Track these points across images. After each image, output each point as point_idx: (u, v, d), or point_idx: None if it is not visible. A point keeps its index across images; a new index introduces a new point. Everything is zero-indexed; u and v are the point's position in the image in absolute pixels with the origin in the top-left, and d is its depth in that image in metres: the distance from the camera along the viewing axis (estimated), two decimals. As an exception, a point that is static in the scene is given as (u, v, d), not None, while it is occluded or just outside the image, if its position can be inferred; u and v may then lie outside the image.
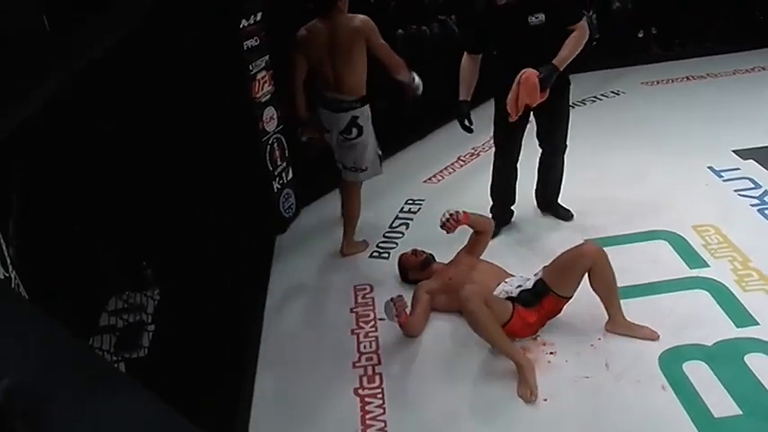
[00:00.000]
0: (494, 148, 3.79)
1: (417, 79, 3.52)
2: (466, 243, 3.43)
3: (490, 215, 3.71)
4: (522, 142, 3.67)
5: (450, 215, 3.22)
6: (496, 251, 3.60)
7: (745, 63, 6.34)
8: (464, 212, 3.25)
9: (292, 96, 3.60)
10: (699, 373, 2.65)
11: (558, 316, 2.99)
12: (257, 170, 3.96)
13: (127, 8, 2.46)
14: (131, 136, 2.73)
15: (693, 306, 3.06)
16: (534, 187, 3.97)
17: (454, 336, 3.07)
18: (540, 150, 3.77)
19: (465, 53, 3.52)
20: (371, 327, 3.22)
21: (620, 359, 2.79)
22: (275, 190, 4.10)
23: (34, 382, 0.63)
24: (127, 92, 2.65)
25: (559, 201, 3.95)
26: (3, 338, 0.69)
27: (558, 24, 3.24)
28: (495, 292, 2.98)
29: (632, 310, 2.95)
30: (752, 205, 3.84)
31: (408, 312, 3.08)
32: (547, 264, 3.00)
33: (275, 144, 4.05)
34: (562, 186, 3.91)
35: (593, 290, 2.89)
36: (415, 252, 3.46)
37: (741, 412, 2.45)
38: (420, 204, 4.34)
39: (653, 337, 2.86)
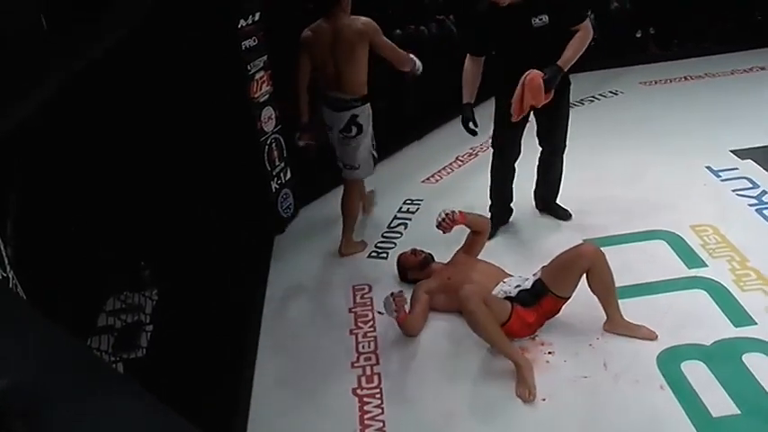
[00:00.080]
0: (492, 148, 3.78)
1: (418, 63, 3.63)
2: (463, 243, 3.43)
3: (489, 215, 3.71)
4: (522, 142, 3.67)
5: (446, 215, 3.22)
6: (495, 251, 3.61)
7: (744, 63, 6.34)
8: (460, 212, 3.26)
9: (296, 97, 3.63)
10: (697, 373, 2.66)
11: (556, 316, 3.00)
12: (256, 170, 3.96)
13: (126, 8, 2.46)
14: (129, 136, 2.72)
15: (691, 306, 3.06)
16: (533, 187, 3.97)
17: (453, 335, 3.07)
18: (540, 150, 3.77)
19: (467, 55, 3.51)
20: (370, 327, 3.22)
21: (619, 359, 2.79)
22: (273, 190, 4.10)
23: (32, 383, 0.63)
24: (125, 92, 2.65)
25: (558, 201, 3.95)
26: (1, 339, 0.69)
27: (561, 25, 3.22)
28: (493, 292, 2.98)
29: (630, 309, 2.95)
30: (750, 205, 3.85)
31: (408, 310, 3.09)
32: (545, 264, 3.00)
33: (273, 144, 4.05)
34: (561, 186, 3.91)
35: (592, 290, 2.89)
36: (414, 252, 3.47)
37: (739, 412, 2.46)
38: (418, 204, 4.34)
39: (651, 336, 2.87)
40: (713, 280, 3.21)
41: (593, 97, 5.91)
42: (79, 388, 0.64)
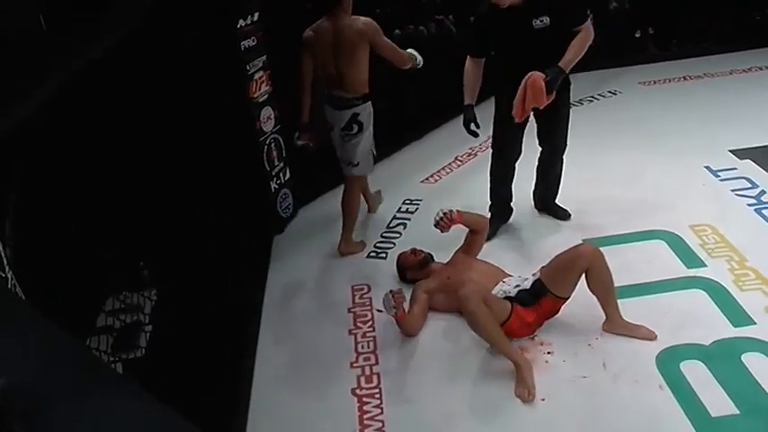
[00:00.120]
0: (491, 149, 3.77)
1: (419, 57, 3.69)
2: (462, 243, 3.43)
3: (489, 215, 3.71)
4: (522, 142, 3.66)
5: (444, 214, 3.23)
6: (494, 251, 3.62)
7: (742, 63, 6.35)
8: (458, 211, 3.26)
9: (299, 97, 3.67)
10: (696, 373, 2.66)
11: (555, 316, 3.00)
12: (255, 170, 3.96)
13: (125, 8, 2.46)
14: (128, 136, 2.72)
15: (691, 306, 3.06)
16: (532, 187, 3.97)
17: (452, 335, 3.07)
18: (540, 150, 3.77)
19: (468, 57, 3.50)
20: (369, 327, 3.22)
21: (618, 359, 2.79)
22: (273, 190, 4.10)
23: (32, 383, 0.62)
24: (124, 92, 2.64)
25: (557, 201, 3.95)
26: (0, 339, 0.69)
27: (562, 26, 3.21)
28: (493, 292, 2.98)
29: (629, 309, 2.95)
30: (749, 205, 3.85)
31: (407, 309, 3.09)
32: (544, 264, 3.00)
33: (272, 144, 4.05)
34: (560, 186, 3.91)
35: (591, 290, 2.89)
36: (414, 251, 3.47)
37: (738, 411, 2.46)
38: (417, 204, 4.34)
39: (650, 336, 2.87)
40: (712, 280, 3.21)
41: (592, 97, 5.92)
42: (78, 388, 0.64)
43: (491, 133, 3.71)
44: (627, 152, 4.68)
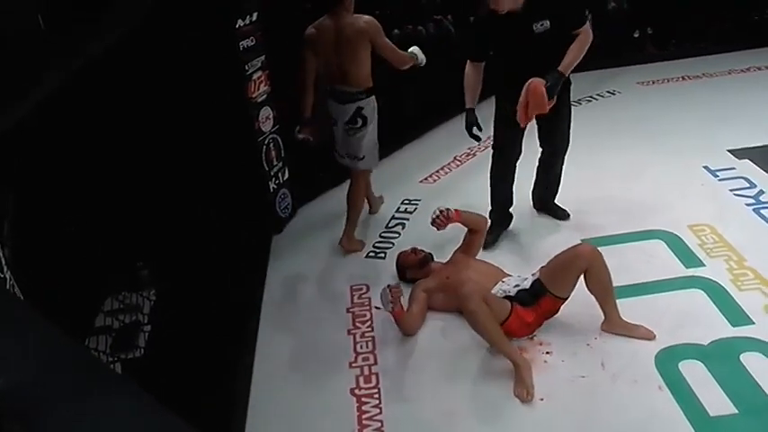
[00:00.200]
0: (491, 149, 3.75)
1: (419, 54, 3.72)
2: (461, 243, 3.43)
3: (489, 221, 3.68)
4: (522, 142, 3.65)
5: (440, 212, 3.24)
6: (493, 251, 3.63)
7: (741, 63, 6.36)
8: (456, 210, 3.27)
9: (301, 93, 3.69)
10: (695, 373, 2.66)
11: (554, 316, 3.00)
12: (253, 170, 3.95)
13: (125, 8, 2.46)
14: (127, 136, 2.72)
15: (689, 305, 3.06)
16: (531, 187, 3.96)
17: (451, 335, 3.07)
18: (541, 150, 3.77)
19: (468, 61, 3.49)
20: (368, 327, 3.22)
21: (617, 359, 2.79)
22: (271, 190, 4.09)
23: (30, 384, 0.62)
24: (123, 92, 2.64)
25: (556, 201, 3.95)
26: (-1, 339, 0.69)
27: (562, 30, 3.21)
28: (492, 292, 2.98)
29: (628, 309, 2.95)
30: (747, 205, 3.85)
31: (405, 308, 3.09)
32: (544, 264, 3.00)
33: (271, 144, 4.05)
34: (560, 187, 3.91)
35: (589, 290, 2.89)
36: (414, 250, 3.47)
37: (737, 411, 2.46)
38: (416, 204, 4.34)
39: (649, 336, 2.87)
40: (711, 279, 3.21)
41: (590, 97, 5.92)
42: (78, 388, 0.64)
43: (491, 133, 3.70)
44: (625, 152, 4.69)
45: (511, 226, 3.88)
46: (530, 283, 2.97)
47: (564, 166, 3.82)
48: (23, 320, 0.76)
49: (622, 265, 3.19)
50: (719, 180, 4.17)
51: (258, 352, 3.15)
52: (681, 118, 5.26)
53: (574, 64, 3.23)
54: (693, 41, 6.84)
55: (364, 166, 3.82)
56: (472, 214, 3.42)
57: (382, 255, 3.83)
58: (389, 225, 4.14)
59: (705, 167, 4.33)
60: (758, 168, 4.22)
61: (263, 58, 3.87)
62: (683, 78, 6.23)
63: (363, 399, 2.77)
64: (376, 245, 3.93)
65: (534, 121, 3.57)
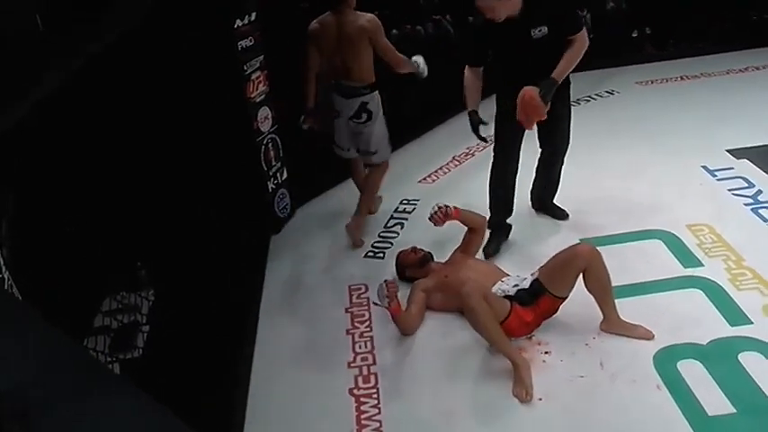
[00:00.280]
0: (491, 150, 3.72)
1: (422, 64, 3.77)
2: (460, 242, 3.44)
3: (488, 231, 3.65)
4: (522, 141, 3.63)
5: (439, 207, 3.25)
6: (492, 251, 3.62)
7: (739, 63, 6.36)
8: (455, 207, 3.27)
9: (304, 85, 3.77)
10: (693, 372, 2.66)
11: (553, 315, 3.00)
12: (252, 170, 3.95)
13: (124, 8, 2.45)
14: (125, 136, 2.71)
15: (688, 305, 3.07)
16: (530, 187, 3.96)
17: (449, 335, 3.07)
18: (541, 150, 3.76)
19: (466, 66, 3.48)
20: (366, 327, 3.23)
21: (615, 358, 2.79)
22: (270, 190, 4.09)
23: (30, 384, 0.62)
24: (122, 92, 2.64)
25: (554, 200, 3.95)
26: (-3, 340, 0.69)
27: (560, 35, 3.21)
28: (492, 291, 2.98)
29: (627, 309, 2.96)
30: (745, 204, 3.86)
31: (404, 308, 3.09)
32: (542, 264, 3.00)
33: (270, 144, 4.05)
34: (559, 187, 3.91)
35: (588, 290, 2.89)
36: (414, 249, 3.47)
37: (735, 410, 2.47)
38: (415, 204, 4.34)
39: (647, 336, 2.87)
40: (709, 279, 3.22)
41: (589, 97, 5.92)
42: (77, 389, 0.64)
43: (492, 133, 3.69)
44: (624, 152, 4.69)
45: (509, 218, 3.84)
46: (529, 283, 2.97)
47: (563, 167, 3.82)
48: (23, 321, 0.76)
49: (621, 264, 3.19)
50: (718, 180, 4.17)
51: (257, 352, 3.15)
52: (679, 118, 5.27)
53: (568, 71, 3.23)
54: (692, 41, 6.84)
55: (379, 160, 3.92)
56: (472, 213, 3.42)
57: (381, 254, 3.83)
58: (388, 225, 4.14)
59: (704, 167, 4.33)
60: (757, 168, 4.23)
61: (261, 58, 3.87)
62: (681, 78, 6.24)
63: (362, 399, 2.77)
64: (375, 245, 3.93)
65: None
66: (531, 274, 3.00)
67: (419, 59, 3.77)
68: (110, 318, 2.58)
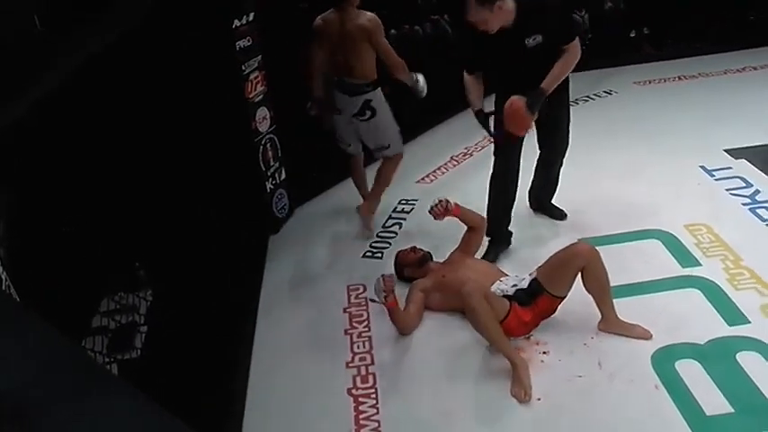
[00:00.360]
0: (490, 151, 3.70)
1: (421, 82, 3.79)
2: (459, 242, 3.44)
3: (488, 239, 3.61)
4: (523, 143, 3.61)
5: (440, 201, 3.28)
6: (490, 251, 3.62)
7: (737, 63, 6.37)
8: (456, 204, 3.28)
9: (311, 77, 3.83)
10: (691, 372, 2.67)
11: (552, 315, 3.00)
12: (250, 170, 3.95)
13: (123, 9, 2.45)
14: (123, 136, 2.71)
15: (686, 305, 3.07)
16: (528, 187, 3.96)
17: (448, 335, 3.07)
18: (540, 150, 3.76)
19: (465, 72, 3.47)
20: (365, 327, 3.22)
21: (613, 358, 2.80)
22: (268, 190, 4.09)
23: (29, 384, 0.62)
24: (120, 92, 2.64)
25: (552, 200, 3.95)
26: (-5, 340, 0.69)
27: (554, 44, 3.21)
28: (491, 290, 2.98)
29: (625, 309, 2.96)
30: (743, 204, 3.86)
31: (403, 307, 3.09)
32: (540, 264, 3.00)
33: (268, 144, 4.04)
34: (557, 187, 3.91)
35: (586, 289, 2.90)
36: (413, 249, 3.47)
37: (733, 410, 2.47)
38: (413, 204, 4.34)
39: (645, 335, 2.87)
40: (707, 279, 3.22)
41: (587, 97, 5.92)
42: (76, 389, 0.64)
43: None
44: (622, 152, 4.69)
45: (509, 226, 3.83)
46: (527, 283, 2.97)
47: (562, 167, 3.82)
48: (21, 321, 0.76)
49: (619, 264, 3.19)
50: (716, 180, 4.18)
51: (255, 352, 3.15)
52: (677, 118, 5.27)
53: (558, 81, 3.21)
54: (690, 41, 6.85)
55: (392, 153, 3.97)
56: (472, 212, 3.42)
57: (379, 254, 3.83)
58: (386, 225, 4.14)
59: (701, 167, 4.33)
60: (754, 168, 4.23)
61: (259, 58, 3.87)
62: (679, 78, 6.24)
63: (360, 399, 2.77)
64: (373, 245, 3.93)
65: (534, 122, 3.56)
66: (530, 274, 3.00)
67: (420, 77, 3.79)
68: (108, 318, 2.57)
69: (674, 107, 5.54)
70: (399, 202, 4.37)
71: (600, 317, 2.94)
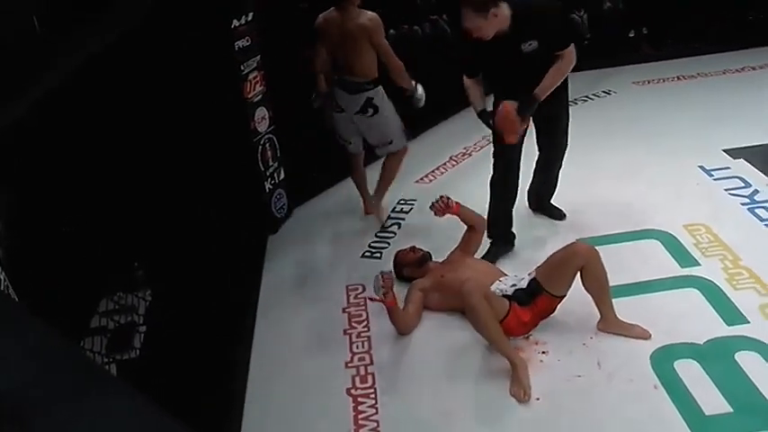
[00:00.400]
0: (489, 151, 3.69)
1: (420, 91, 3.83)
2: (459, 242, 3.44)
3: (490, 242, 3.60)
4: (523, 143, 3.60)
5: (441, 197, 3.29)
6: (489, 251, 3.62)
7: (736, 63, 6.37)
8: (457, 203, 3.28)
9: (316, 73, 3.86)
10: (690, 372, 2.67)
11: (551, 315, 3.00)
12: (249, 170, 3.95)
13: (123, 9, 2.45)
14: (123, 136, 2.71)
15: (685, 305, 3.07)
16: (527, 186, 3.96)
17: (447, 335, 3.07)
18: (539, 150, 3.76)
19: (465, 76, 3.46)
20: (364, 327, 3.22)
21: (612, 358, 2.80)
22: (267, 190, 4.09)
23: (28, 385, 0.62)
24: (119, 92, 2.64)
25: (552, 201, 3.95)
26: (-5, 341, 0.69)
27: (550, 49, 3.22)
28: (491, 290, 2.98)
29: (624, 308, 2.96)
30: (742, 204, 3.87)
31: (402, 307, 3.09)
32: (539, 263, 3.01)
33: (267, 144, 4.04)
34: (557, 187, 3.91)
35: (586, 289, 2.90)
36: (413, 249, 3.47)
37: (732, 410, 2.47)
38: (412, 204, 4.34)
39: (644, 335, 2.88)
40: (706, 279, 3.22)
41: (586, 97, 5.92)
42: (75, 389, 0.64)
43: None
44: (621, 152, 4.69)
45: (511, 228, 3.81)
46: (526, 283, 2.97)
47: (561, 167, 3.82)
48: (20, 321, 0.76)
49: (618, 264, 3.19)
50: (714, 180, 4.18)
51: (254, 352, 3.15)
52: (676, 118, 5.27)
53: (552, 87, 3.22)
54: (688, 41, 6.85)
55: (396, 148, 4.00)
56: (471, 211, 3.42)
57: (378, 255, 3.83)
58: (385, 225, 4.13)
59: (700, 167, 4.34)
60: (753, 168, 4.24)
61: (258, 58, 3.87)
62: (678, 78, 6.24)
63: (359, 399, 2.77)
64: (372, 245, 3.93)
65: (532, 121, 3.56)
66: (529, 274, 3.01)
67: (419, 87, 3.84)
68: (107, 318, 2.57)
69: (673, 107, 5.54)
70: (398, 202, 4.37)
71: (599, 317, 2.94)
